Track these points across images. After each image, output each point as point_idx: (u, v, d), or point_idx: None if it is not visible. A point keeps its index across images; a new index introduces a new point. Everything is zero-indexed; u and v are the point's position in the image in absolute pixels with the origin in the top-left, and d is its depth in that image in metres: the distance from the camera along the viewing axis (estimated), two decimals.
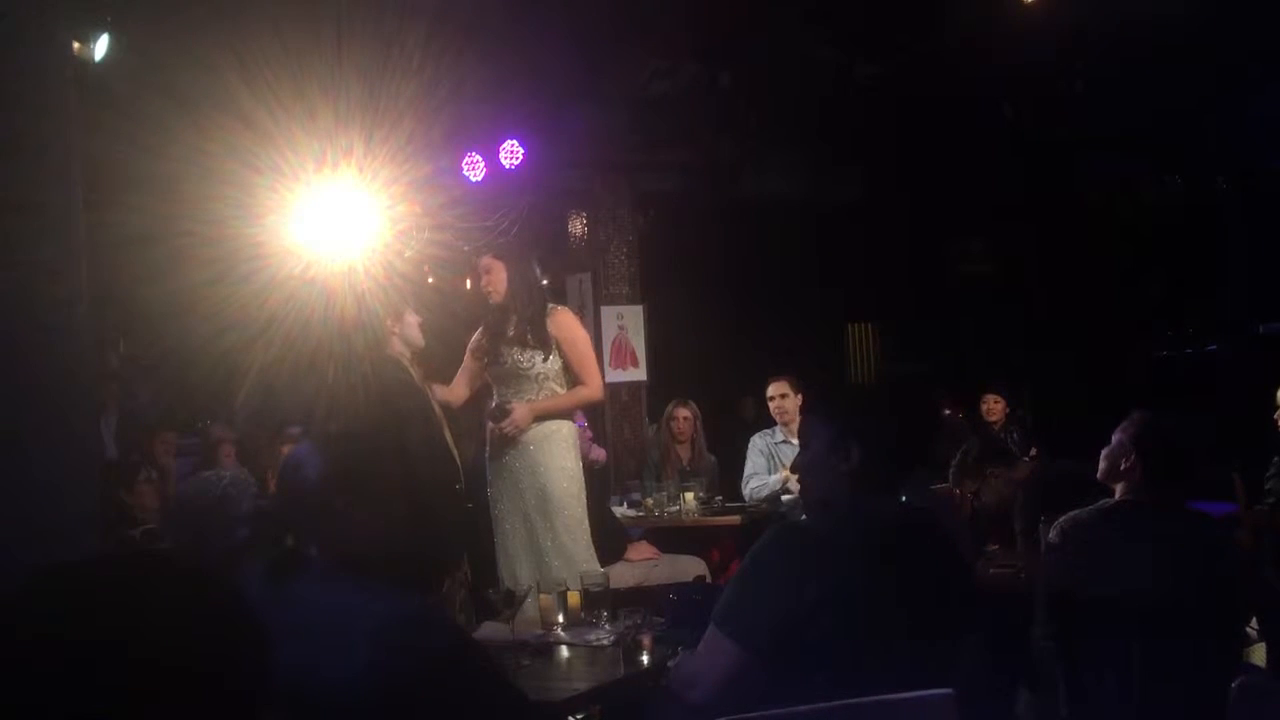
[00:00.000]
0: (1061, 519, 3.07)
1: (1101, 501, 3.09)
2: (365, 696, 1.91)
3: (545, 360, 4.42)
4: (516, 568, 4.37)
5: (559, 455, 4.45)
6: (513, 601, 3.29)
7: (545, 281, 5.01)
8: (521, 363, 4.42)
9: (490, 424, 4.44)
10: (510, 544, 4.43)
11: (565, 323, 4.52)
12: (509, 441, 4.41)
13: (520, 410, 4.37)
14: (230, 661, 1.08)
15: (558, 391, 4.47)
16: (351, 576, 2.04)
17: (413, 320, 4.51)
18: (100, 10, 4.92)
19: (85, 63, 4.97)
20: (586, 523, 4.48)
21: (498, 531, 4.48)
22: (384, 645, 1.93)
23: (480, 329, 4.63)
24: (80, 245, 2.70)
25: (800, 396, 6.36)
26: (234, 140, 5.22)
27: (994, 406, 7.59)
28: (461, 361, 4.79)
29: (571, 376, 4.52)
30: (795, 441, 6.27)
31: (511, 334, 4.44)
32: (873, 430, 2.34)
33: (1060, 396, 7.99)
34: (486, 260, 4.49)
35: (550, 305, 4.58)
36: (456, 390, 4.71)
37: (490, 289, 4.46)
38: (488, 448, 4.55)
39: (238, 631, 1.10)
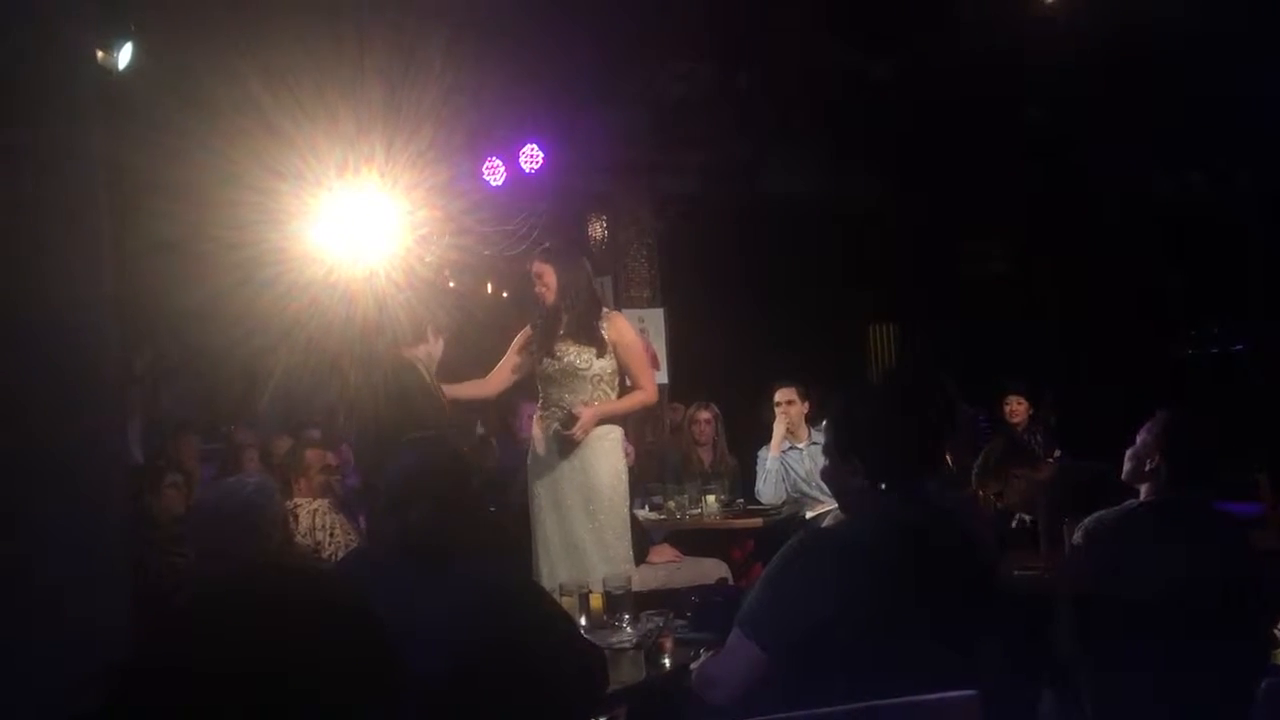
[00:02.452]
0: (1086, 520, 3.05)
1: (1126, 502, 3.07)
2: (478, 657, 2.18)
3: (600, 358, 4.46)
4: (556, 566, 4.40)
5: (609, 456, 4.50)
6: None
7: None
8: (578, 363, 4.46)
9: (556, 427, 4.45)
10: (551, 543, 4.46)
11: (621, 328, 4.59)
12: (562, 442, 4.44)
13: (588, 414, 4.41)
14: (373, 664, 1.11)
15: (608, 393, 4.52)
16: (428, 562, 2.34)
17: (441, 342, 4.57)
18: (124, 19, 4.97)
19: (109, 71, 5.01)
20: (629, 525, 4.55)
21: (538, 529, 4.51)
22: (489, 607, 2.24)
23: (528, 327, 4.65)
24: (105, 251, 2.73)
25: (807, 404, 6.39)
26: (257, 146, 5.26)
27: (1016, 408, 7.54)
28: (475, 366, 4.82)
29: (628, 379, 4.59)
30: (801, 447, 6.31)
31: (564, 331, 4.48)
32: (876, 441, 2.34)
33: (1083, 397, 7.93)
34: (537, 265, 4.53)
35: (605, 310, 4.64)
36: (493, 382, 4.72)
37: (544, 289, 4.50)
38: (534, 446, 4.58)
39: (372, 634, 1.13)
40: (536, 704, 2.27)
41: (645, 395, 4.63)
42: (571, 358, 4.48)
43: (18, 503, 2.44)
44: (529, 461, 4.62)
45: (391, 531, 2.45)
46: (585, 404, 4.45)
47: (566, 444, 4.45)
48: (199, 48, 5.42)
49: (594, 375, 4.48)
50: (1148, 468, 3.01)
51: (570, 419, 4.41)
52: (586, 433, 4.43)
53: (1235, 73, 7.09)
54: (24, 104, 2.57)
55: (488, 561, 2.42)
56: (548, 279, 4.48)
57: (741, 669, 2.25)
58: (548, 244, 4.92)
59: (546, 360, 4.52)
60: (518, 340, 4.69)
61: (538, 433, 4.59)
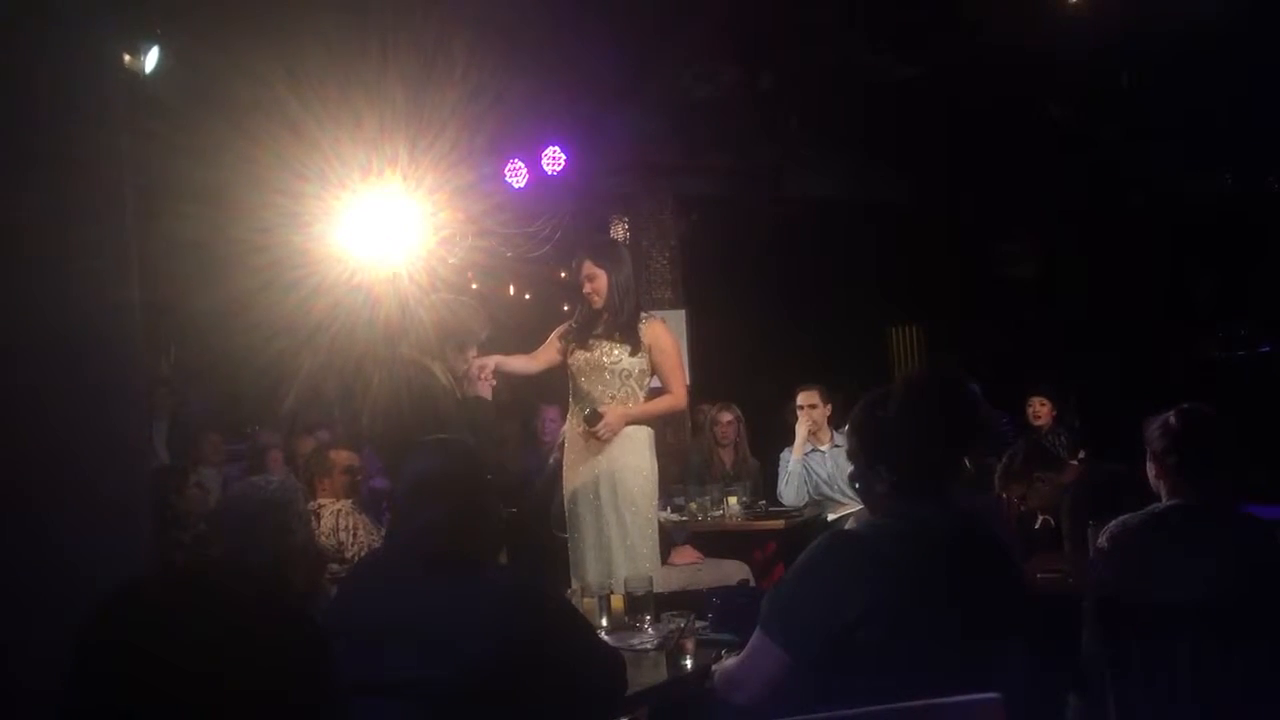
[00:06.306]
0: (1110, 524, 3.02)
1: (1150, 505, 3.04)
2: (496, 664, 2.17)
3: (631, 356, 4.47)
4: (585, 563, 4.42)
5: (636, 455, 4.51)
6: None
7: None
8: (607, 359, 4.48)
9: (584, 426, 4.47)
10: (585, 539, 4.47)
11: (658, 332, 4.59)
12: (591, 439, 4.45)
13: (615, 414, 4.42)
14: (295, 669, 1.10)
15: (635, 390, 4.52)
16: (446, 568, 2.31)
17: (468, 356, 4.58)
18: (150, 23, 5.01)
19: (136, 74, 5.05)
20: (656, 525, 4.55)
21: (571, 526, 4.52)
22: (507, 613, 2.23)
23: (570, 321, 4.67)
24: (131, 253, 2.75)
25: (829, 406, 6.38)
26: (282, 149, 5.30)
27: (1041, 410, 7.51)
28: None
29: (660, 382, 4.61)
30: (824, 449, 6.31)
31: (601, 330, 4.50)
32: (900, 445, 2.33)
33: (1108, 399, 7.87)
34: (589, 267, 4.52)
35: (644, 314, 4.64)
36: (540, 359, 4.72)
37: (594, 293, 4.50)
38: (567, 446, 4.61)
39: (298, 639, 1.12)
40: (554, 709, 2.26)
41: (674, 400, 4.62)
42: (602, 353, 4.49)
43: (43, 505, 2.46)
44: (564, 464, 4.64)
45: (406, 535, 2.44)
46: (613, 399, 4.46)
47: (595, 441, 4.46)
48: (224, 51, 5.46)
49: (622, 371, 4.49)
50: (1170, 470, 2.98)
51: (595, 416, 4.41)
52: (613, 433, 4.43)
53: (1266, 71, 7.03)
54: (51, 107, 2.59)
55: (502, 566, 2.41)
56: (599, 283, 4.48)
57: (764, 670, 2.24)
58: (595, 242, 4.90)
59: (579, 353, 4.53)
60: (559, 330, 4.71)
61: (569, 427, 4.60)
